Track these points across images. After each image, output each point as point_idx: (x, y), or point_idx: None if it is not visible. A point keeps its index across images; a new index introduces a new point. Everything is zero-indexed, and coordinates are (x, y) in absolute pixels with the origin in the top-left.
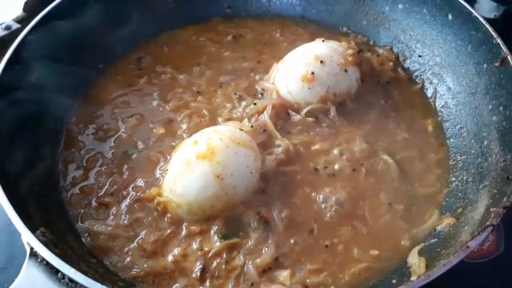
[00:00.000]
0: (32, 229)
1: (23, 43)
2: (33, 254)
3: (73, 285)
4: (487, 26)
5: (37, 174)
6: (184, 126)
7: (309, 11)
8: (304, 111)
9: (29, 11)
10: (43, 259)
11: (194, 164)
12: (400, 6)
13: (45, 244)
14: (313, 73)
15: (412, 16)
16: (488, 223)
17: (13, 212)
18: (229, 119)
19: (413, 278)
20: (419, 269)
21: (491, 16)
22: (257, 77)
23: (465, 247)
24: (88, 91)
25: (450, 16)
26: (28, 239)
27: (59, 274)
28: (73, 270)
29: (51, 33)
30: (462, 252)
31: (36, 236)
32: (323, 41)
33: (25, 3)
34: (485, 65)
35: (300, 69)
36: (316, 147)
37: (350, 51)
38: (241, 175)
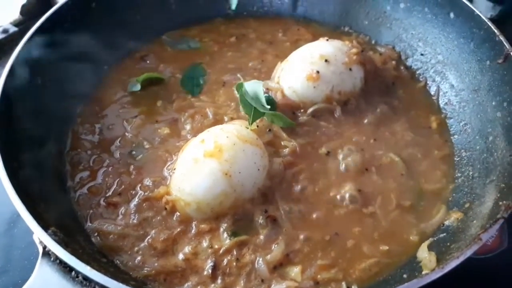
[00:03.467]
0: (45, 228)
1: (27, 45)
2: (46, 254)
3: (88, 284)
4: (490, 23)
5: (44, 174)
6: (188, 127)
7: (311, 11)
8: (310, 110)
9: (27, 14)
10: (56, 258)
11: (202, 162)
12: (402, 5)
13: (58, 243)
14: (318, 72)
15: (414, 15)
16: (499, 216)
17: (26, 212)
18: (233, 119)
19: (424, 272)
20: (430, 263)
21: (487, 15)
22: (261, 77)
23: (478, 239)
24: (93, 92)
25: (452, 15)
26: (42, 238)
27: (73, 273)
28: (88, 268)
29: (55, 35)
30: (475, 245)
31: (49, 235)
32: (327, 40)
33: (22, 7)
34: (488, 62)
35: (305, 68)
36: (322, 147)
37: (354, 50)
38: (249, 172)
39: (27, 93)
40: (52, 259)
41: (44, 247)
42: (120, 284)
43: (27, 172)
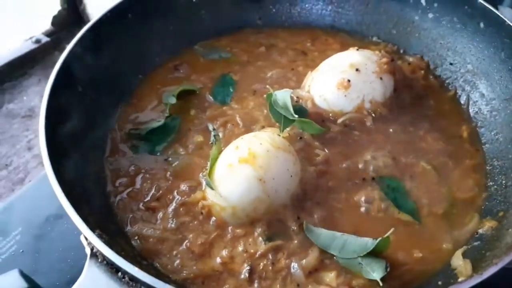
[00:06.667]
0: (92, 230)
1: (69, 56)
2: (94, 255)
3: (134, 284)
4: None
5: (86, 180)
6: (220, 135)
7: (339, 21)
8: (341, 120)
9: (58, 25)
10: (103, 260)
11: (236, 168)
12: (430, 15)
13: (106, 244)
14: (349, 80)
15: (443, 25)
16: None
17: (76, 214)
18: (264, 127)
19: (461, 279)
20: (465, 270)
21: None
22: (291, 86)
23: None
24: (130, 100)
25: (481, 25)
26: (91, 239)
27: (119, 273)
28: (137, 269)
29: (94, 46)
30: None
31: (97, 237)
32: (357, 49)
33: (54, 17)
34: None
35: (335, 77)
36: (355, 156)
37: (384, 60)
38: (282, 178)
39: (70, 101)
40: (99, 260)
41: (92, 248)
42: (167, 285)
43: (71, 177)
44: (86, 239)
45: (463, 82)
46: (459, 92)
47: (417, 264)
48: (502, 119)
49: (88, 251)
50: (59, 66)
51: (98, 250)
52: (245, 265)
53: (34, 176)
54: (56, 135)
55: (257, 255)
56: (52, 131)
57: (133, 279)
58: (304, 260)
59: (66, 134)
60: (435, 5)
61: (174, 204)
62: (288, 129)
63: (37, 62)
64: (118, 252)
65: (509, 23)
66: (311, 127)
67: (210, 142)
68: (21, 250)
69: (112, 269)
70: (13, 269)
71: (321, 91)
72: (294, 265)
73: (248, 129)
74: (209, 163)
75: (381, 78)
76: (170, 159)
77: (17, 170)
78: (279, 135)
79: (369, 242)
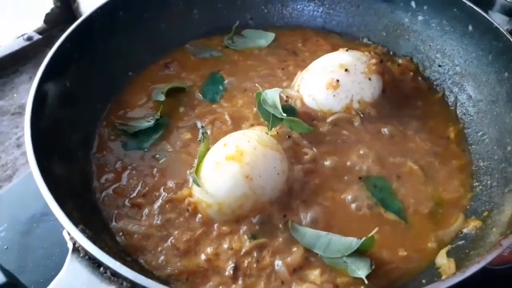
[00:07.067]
0: (75, 225)
1: (58, 52)
2: (75, 250)
3: (115, 279)
4: (508, 36)
5: (71, 175)
6: (208, 132)
7: (330, 23)
8: (330, 119)
9: (50, 23)
10: (85, 254)
11: (223, 165)
12: (420, 17)
13: (88, 239)
14: (338, 80)
15: (432, 28)
16: None
17: (58, 209)
18: (253, 125)
19: (445, 277)
20: (449, 269)
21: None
22: (281, 85)
23: (498, 245)
24: (119, 97)
25: (470, 27)
26: (73, 234)
27: (101, 268)
28: (118, 263)
29: (84, 42)
30: (495, 250)
31: (80, 232)
32: (347, 50)
33: (46, 15)
34: (506, 74)
35: (325, 77)
36: (343, 155)
37: (373, 61)
38: (269, 175)
39: (57, 97)
40: (81, 255)
41: (74, 243)
42: (149, 280)
43: (56, 172)
44: (69, 234)
45: (451, 83)
46: (447, 93)
47: (402, 263)
48: (489, 121)
49: (70, 245)
50: (46, 61)
51: (80, 245)
52: (230, 262)
53: (23, 173)
54: (43, 131)
55: (242, 253)
56: (38, 127)
57: (114, 274)
58: (288, 258)
59: (52, 130)
60: (425, 7)
61: (160, 200)
62: (276, 127)
63: (28, 60)
64: (101, 248)
65: (497, 25)
66: (299, 126)
67: (198, 140)
68: (5, 247)
69: (94, 264)
70: None
71: (310, 90)
72: (279, 263)
73: (236, 127)
74: (196, 160)
75: (369, 79)
76: (157, 155)
77: (5, 167)
78: (267, 133)
79: (353, 242)
